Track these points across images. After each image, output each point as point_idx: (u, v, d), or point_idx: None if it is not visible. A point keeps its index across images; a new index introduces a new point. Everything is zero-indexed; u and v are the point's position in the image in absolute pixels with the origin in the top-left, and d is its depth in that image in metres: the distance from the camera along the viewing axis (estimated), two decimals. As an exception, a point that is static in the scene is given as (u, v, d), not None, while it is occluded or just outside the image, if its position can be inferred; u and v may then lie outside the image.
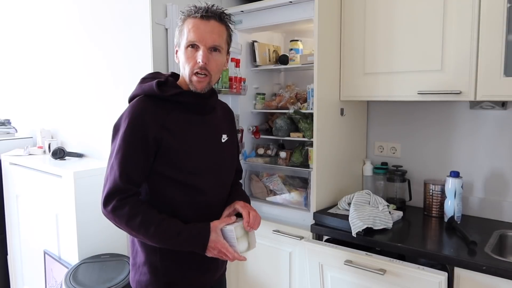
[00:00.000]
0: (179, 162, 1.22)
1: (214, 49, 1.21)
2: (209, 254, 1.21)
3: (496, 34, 1.54)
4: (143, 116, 1.18)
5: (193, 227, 1.20)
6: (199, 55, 1.19)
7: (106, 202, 1.16)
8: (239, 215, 1.31)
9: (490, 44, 1.56)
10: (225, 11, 1.24)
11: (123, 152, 1.17)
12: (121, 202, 1.15)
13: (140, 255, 1.27)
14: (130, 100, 1.27)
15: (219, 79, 2.00)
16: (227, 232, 1.23)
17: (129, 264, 1.95)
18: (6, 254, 2.78)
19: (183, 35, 1.22)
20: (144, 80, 1.29)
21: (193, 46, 1.20)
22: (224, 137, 1.34)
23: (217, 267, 1.36)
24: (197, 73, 1.20)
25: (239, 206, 1.31)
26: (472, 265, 1.40)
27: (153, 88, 1.21)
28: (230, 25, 1.27)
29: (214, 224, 1.22)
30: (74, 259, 2.06)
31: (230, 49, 2.09)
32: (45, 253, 2.29)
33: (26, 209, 2.48)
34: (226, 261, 1.43)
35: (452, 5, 1.63)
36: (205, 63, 1.19)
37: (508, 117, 1.84)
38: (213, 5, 1.22)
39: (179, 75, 1.30)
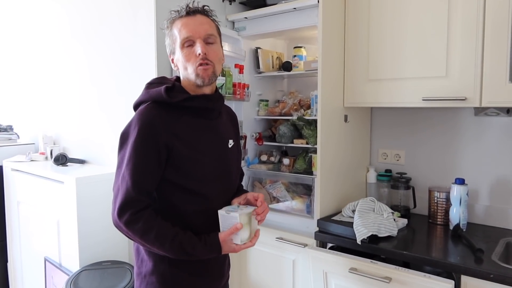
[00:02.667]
0: (189, 170, 1.20)
1: (209, 40, 1.21)
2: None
3: (500, 41, 1.54)
4: (153, 123, 1.15)
5: (204, 244, 1.18)
6: (198, 48, 1.18)
7: (119, 214, 1.13)
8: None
9: (495, 50, 1.55)
10: (206, 6, 1.25)
11: (134, 161, 1.14)
12: (134, 216, 1.13)
13: (147, 264, 1.24)
14: (136, 106, 1.25)
15: (224, 84, 2.00)
16: (231, 219, 1.20)
17: (130, 271, 1.94)
18: (6, 261, 2.76)
19: (174, 38, 1.22)
20: (150, 85, 1.26)
21: (188, 43, 1.20)
22: (231, 142, 1.33)
23: (223, 273, 1.35)
24: (200, 64, 1.19)
25: (251, 194, 1.32)
26: (480, 273, 1.38)
27: (161, 94, 1.19)
28: (215, 18, 1.28)
29: (223, 238, 1.20)
30: (75, 266, 2.04)
31: (234, 55, 2.11)
32: (45, 260, 2.27)
33: (27, 215, 2.47)
34: (230, 267, 1.42)
35: (456, 12, 1.63)
36: (205, 53, 1.18)
37: (513, 124, 1.84)
38: (193, 1, 1.23)
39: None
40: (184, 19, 1.21)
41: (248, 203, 1.31)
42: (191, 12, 1.21)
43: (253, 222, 1.26)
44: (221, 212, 1.22)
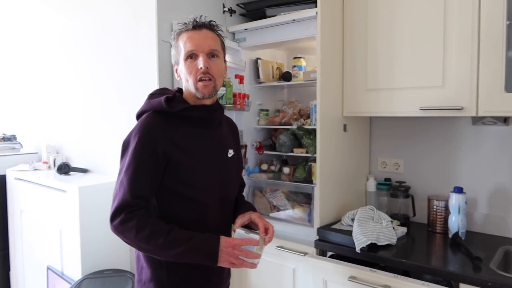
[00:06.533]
0: (188, 178, 1.22)
1: (212, 55, 1.25)
2: (221, 261, 1.17)
3: (496, 51, 1.57)
4: (153, 132, 1.19)
5: (202, 234, 1.18)
6: (200, 62, 1.22)
7: (113, 217, 1.16)
8: (245, 226, 1.32)
9: (491, 60, 1.58)
10: (212, 21, 1.28)
11: (133, 168, 1.17)
12: (129, 215, 1.15)
13: (146, 271, 1.26)
14: (138, 116, 1.29)
15: (224, 95, 2.03)
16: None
17: (131, 280, 1.96)
18: (9, 269, 2.77)
19: (179, 50, 1.26)
20: (152, 96, 1.31)
21: (191, 56, 1.23)
22: (231, 152, 1.35)
23: (222, 281, 1.35)
24: (201, 79, 1.23)
25: (256, 216, 1.32)
26: (478, 281, 1.39)
27: (161, 104, 1.23)
28: (220, 33, 1.31)
29: (231, 242, 1.18)
30: (77, 275, 2.05)
31: (234, 66, 2.14)
32: (48, 268, 2.29)
33: (30, 224, 2.48)
34: (230, 276, 1.43)
35: (452, 22, 1.66)
36: (206, 67, 1.22)
37: (510, 132, 1.85)
38: (201, 16, 1.27)
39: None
40: (190, 32, 1.25)
41: (252, 224, 1.33)
42: (197, 26, 1.25)
43: (263, 247, 1.27)
44: (239, 231, 1.24)
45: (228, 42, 2.20)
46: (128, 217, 1.15)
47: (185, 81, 1.26)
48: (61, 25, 2.65)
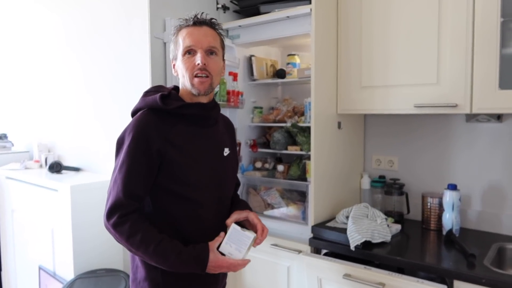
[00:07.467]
0: (182, 176, 1.21)
1: (211, 52, 1.24)
2: (210, 272, 1.20)
3: (490, 48, 1.57)
4: (147, 130, 1.18)
5: (192, 249, 1.18)
6: (198, 58, 1.21)
7: (107, 216, 1.16)
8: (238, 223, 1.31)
9: (485, 57, 1.58)
10: (214, 19, 1.28)
11: (127, 166, 1.16)
12: (122, 218, 1.14)
13: (141, 270, 1.25)
14: (133, 113, 1.28)
15: (218, 92, 2.02)
16: (242, 236, 1.23)
17: (125, 279, 1.94)
18: (0, 269, 2.74)
19: (178, 45, 1.25)
20: (147, 93, 1.29)
21: (190, 52, 1.22)
22: (226, 151, 1.34)
23: (217, 281, 1.34)
24: (197, 75, 1.21)
25: (254, 216, 1.33)
26: (472, 278, 1.39)
27: (156, 102, 1.21)
28: (221, 31, 1.30)
29: (212, 245, 1.21)
30: (69, 275, 2.03)
31: (228, 63, 2.12)
32: (40, 268, 2.26)
33: (22, 223, 2.46)
34: (226, 276, 1.42)
35: (446, 19, 1.66)
36: (204, 63, 1.21)
37: (503, 129, 1.86)
38: (202, 13, 1.26)
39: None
40: (190, 28, 1.24)
41: (247, 222, 1.33)
42: (198, 22, 1.24)
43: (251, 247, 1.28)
44: (235, 226, 1.24)
45: (221, 39, 2.19)
46: (121, 221, 1.14)
47: (182, 76, 1.25)
48: (53, 23, 2.62)
